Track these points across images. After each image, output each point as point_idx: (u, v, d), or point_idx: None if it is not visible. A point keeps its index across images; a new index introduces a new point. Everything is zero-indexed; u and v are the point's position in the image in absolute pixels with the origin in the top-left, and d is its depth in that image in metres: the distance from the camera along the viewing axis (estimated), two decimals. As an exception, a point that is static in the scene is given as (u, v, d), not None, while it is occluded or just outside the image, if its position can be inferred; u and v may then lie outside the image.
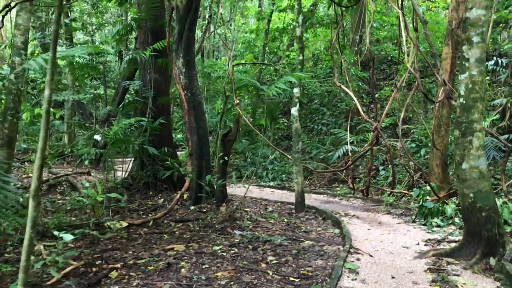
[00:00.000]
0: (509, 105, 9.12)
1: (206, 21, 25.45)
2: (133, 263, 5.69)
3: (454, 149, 5.85)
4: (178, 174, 10.64)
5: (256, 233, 7.18)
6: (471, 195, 5.62)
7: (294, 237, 6.94)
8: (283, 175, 13.81)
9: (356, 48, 15.73)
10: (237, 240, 6.65)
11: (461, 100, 5.70)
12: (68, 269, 5.29)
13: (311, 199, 10.85)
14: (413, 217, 8.21)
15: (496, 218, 5.56)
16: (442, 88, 8.83)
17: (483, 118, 5.63)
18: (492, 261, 5.38)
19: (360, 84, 15.29)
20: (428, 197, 8.14)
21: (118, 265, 5.57)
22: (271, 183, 13.24)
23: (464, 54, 5.65)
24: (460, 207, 8.08)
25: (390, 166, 10.92)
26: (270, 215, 8.66)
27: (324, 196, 11.30)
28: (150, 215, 8.97)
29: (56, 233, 4.85)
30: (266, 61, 19.34)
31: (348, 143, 11.72)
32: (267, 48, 22.97)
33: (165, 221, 8.36)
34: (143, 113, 10.93)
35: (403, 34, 8.80)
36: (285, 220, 8.27)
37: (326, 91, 16.06)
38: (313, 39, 22.95)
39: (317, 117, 16.53)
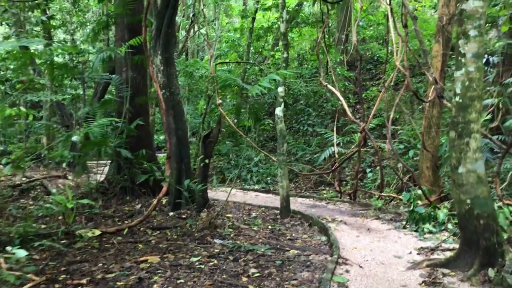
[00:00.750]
0: (500, 105, 8.78)
1: (190, 20, 24.96)
2: (101, 278, 5.17)
3: (449, 151, 5.45)
4: (156, 178, 10.13)
5: (238, 241, 6.70)
6: (468, 201, 5.21)
7: (278, 246, 6.48)
8: (268, 178, 13.35)
9: (342, 47, 15.35)
10: (217, 250, 6.17)
11: (457, 98, 5.29)
12: (27, 286, 4.75)
13: (296, 203, 10.40)
14: (404, 222, 7.81)
15: (494, 226, 5.17)
16: (433, 87, 8.47)
17: (480, 118, 5.23)
18: (491, 272, 4.98)
19: (347, 84, 14.91)
20: (419, 201, 7.75)
21: (84, 281, 5.05)
22: (256, 186, 12.77)
23: (460, 49, 5.25)
24: (453, 212, 7.73)
25: (378, 168, 10.53)
26: (254, 222, 8.19)
27: (310, 200, 10.86)
28: (126, 222, 8.45)
29: (8, 248, 4.30)
30: (251, 61, 18.88)
31: (335, 145, 11.31)
32: (252, 48, 22.52)
33: (142, 228, 7.85)
34: (120, 114, 10.38)
35: (392, 30, 8.42)
36: (269, 226, 7.80)
37: (311, 91, 15.64)
38: (298, 38, 22.54)
39: (303, 118, 16.10)
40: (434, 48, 8.90)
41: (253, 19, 18.92)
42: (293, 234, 7.37)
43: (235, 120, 18.13)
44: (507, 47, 9.16)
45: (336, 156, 10.99)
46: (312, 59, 20.32)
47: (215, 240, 6.72)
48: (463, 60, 5.22)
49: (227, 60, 19.88)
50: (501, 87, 8.82)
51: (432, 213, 7.46)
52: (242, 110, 15.07)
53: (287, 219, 8.51)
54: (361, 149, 11.38)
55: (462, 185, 5.24)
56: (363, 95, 15.84)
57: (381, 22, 18.05)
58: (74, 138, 14.53)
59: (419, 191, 7.80)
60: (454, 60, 5.54)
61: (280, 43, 22.22)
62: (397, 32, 8.59)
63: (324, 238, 7.03)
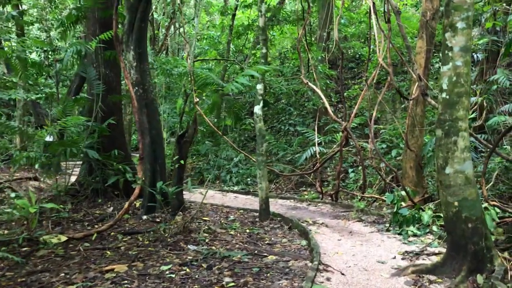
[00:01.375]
0: (484, 103, 8.57)
1: (170, 18, 24.41)
2: (61, 291, 4.73)
3: (435, 151, 5.15)
4: (129, 180, 9.67)
5: (214, 247, 6.31)
6: (456, 203, 4.92)
7: (256, 252, 6.09)
8: (248, 179, 12.97)
9: (323, 45, 15.06)
10: (190, 257, 5.77)
11: (444, 95, 4.99)
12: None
13: (277, 205, 10.05)
14: (387, 225, 7.51)
15: (483, 229, 4.88)
16: (416, 85, 8.20)
17: (468, 116, 4.94)
18: (480, 279, 4.68)
19: (328, 82, 14.61)
20: (402, 203, 7.46)
21: (42, 294, 4.61)
22: (235, 188, 12.38)
23: (447, 43, 4.94)
24: (437, 214, 7.46)
25: (360, 168, 10.24)
26: (231, 225, 7.80)
27: (291, 202, 10.52)
28: (96, 226, 7.99)
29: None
30: (231, 59, 18.49)
31: (316, 144, 10.99)
32: (233, 46, 22.13)
33: (112, 233, 7.41)
34: (92, 113, 9.90)
35: (374, 25, 8.12)
36: (248, 230, 7.42)
37: (293, 89, 15.31)
38: (280, 36, 22.23)
39: (284, 117, 15.76)
40: (418, 44, 8.63)
41: (233, 16, 18.56)
42: (272, 238, 7.01)
43: (215, 120, 17.74)
44: (491, 43, 8.95)
45: (317, 156, 10.67)
46: (294, 58, 20.00)
47: (188, 246, 6.31)
48: (450, 54, 4.92)
49: (206, 58, 19.46)
50: (485, 85, 8.60)
51: (416, 215, 7.18)
52: (220, 108, 14.66)
53: (266, 222, 8.16)
54: (343, 149, 11.09)
55: (449, 186, 4.94)
56: (345, 93, 15.59)
57: (363, 20, 17.84)
58: (48, 138, 13.96)
59: (403, 192, 7.51)
60: (438, 57, 5.24)
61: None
62: (380, 27, 8.30)
63: (304, 242, 6.68)
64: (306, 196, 10.56)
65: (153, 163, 8.85)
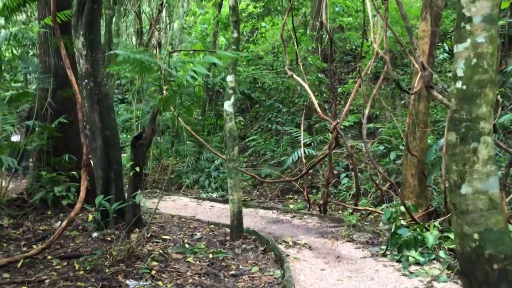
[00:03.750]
0: (499, 98, 7.16)
1: (157, 10, 22.96)
2: None
3: (447, 162, 3.74)
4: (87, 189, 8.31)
5: (160, 282, 4.92)
6: (476, 236, 3.52)
7: (213, 289, 4.71)
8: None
9: (316, 34, 13.62)
10: (122, 301, 4.38)
11: (459, 84, 3.59)
12: None
13: (256, 217, 8.66)
14: (383, 247, 6.12)
15: (515, 272, 3.48)
16: (419, 75, 6.79)
17: (492, 114, 3.53)
18: None
19: (320, 75, 13.17)
20: (402, 220, 6.05)
21: None
22: (214, 194, 10.98)
23: (464, 11, 3.54)
24: (446, 235, 6.07)
25: (353, 176, 8.82)
26: (194, 247, 6.40)
27: (273, 212, 9.12)
28: (34, 246, 6.64)
29: None
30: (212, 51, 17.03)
31: (302, 146, 9.59)
32: (224, 39, 20.72)
33: (49, 256, 6.06)
34: (40, 110, 8.55)
35: (368, 4, 6.71)
36: (211, 255, 6.02)
37: (281, 85, 13.88)
38: (272, 28, 20.78)
39: (271, 115, 14.34)
40: (420, 27, 7.21)
41: (220, 5, 17.11)
42: (240, 266, 5.62)
43: (200, 117, 16.34)
44: (508, 27, 7.53)
45: (304, 160, 9.26)
46: (288, 51, 18.58)
47: (127, 282, 4.92)
48: (468, 27, 3.52)
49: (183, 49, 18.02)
50: (500, 76, 7.18)
51: (419, 236, 5.78)
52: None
53: (238, 242, 6.76)
54: (334, 151, 9.70)
55: (466, 212, 3.55)
56: (340, 89, 14.17)
57: (360, 9, 16.35)
58: (14, 137, 12.54)
59: (402, 208, 6.10)
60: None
61: (258, 35, 20.50)
62: (375, 8, 6.89)
63: (279, 272, 5.29)
64: (291, 206, 9.16)
65: (106, 170, 7.47)
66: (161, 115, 15.32)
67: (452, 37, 16.13)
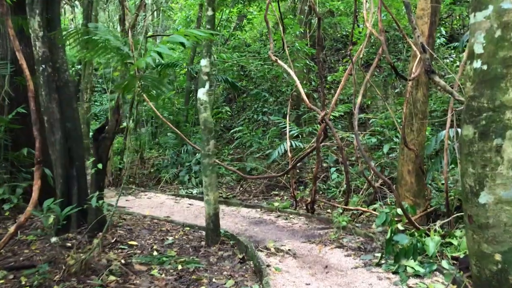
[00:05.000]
0: None
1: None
2: None
3: (461, 162, 2.98)
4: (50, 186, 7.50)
5: (114, 303, 4.14)
6: (498, 257, 2.77)
7: (176, 313, 3.93)
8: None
9: (304, 19, 12.79)
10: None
11: (478, 64, 2.82)
12: None
13: (238, 217, 7.89)
14: (377, 254, 5.38)
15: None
16: (417, 59, 6.02)
17: None
18: None
19: (308, 62, 12.34)
20: (399, 225, 5.29)
21: None
22: (194, 191, 10.16)
23: (485, -31, 2.75)
24: (448, 241, 5.35)
25: (343, 171, 8.05)
26: (163, 255, 5.62)
27: (257, 211, 8.34)
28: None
29: None
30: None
31: (288, 138, 8.81)
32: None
33: (-4, 267, 5.23)
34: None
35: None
36: (180, 266, 5.23)
37: (268, 73, 13.04)
38: (260, 15, 19.89)
39: (257, 105, 13.53)
40: (419, 5, 6.42)
41: (203, -12, 16.20)
42: (214, 280, 4.84)
43: (184, 107, 15.49)
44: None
45: (289, 155, 8.49)
46: (276, 38, 17.75)
47: (73, 304, 4.13)
48: (489, -11, 2.74)
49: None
50: None
51: (418, 243, 5.04)
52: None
53: (214, 248, 5.99)
54: (324, 144, 8.94)
55: (486, 226, 2.80)
56: (329, 77, 13.39)
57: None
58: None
59: (399, 210, 5.35)
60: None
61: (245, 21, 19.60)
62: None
63: (257, 287, 4.54)
64: (276, 204, 8.39)
65: (67, 167, 6.64)
66: (142, 104, 14.47)
67: (447, 23, 15.42)
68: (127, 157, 12.35)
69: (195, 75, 15.00)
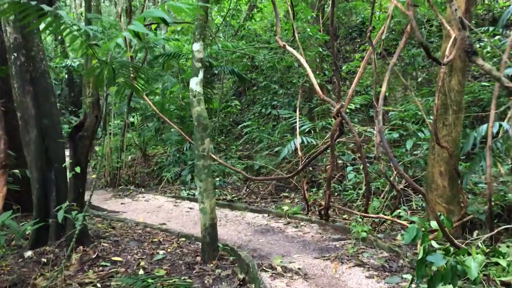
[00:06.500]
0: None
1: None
2: None
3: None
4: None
5: None
6: None
7: None
8: (217, 179, 9.85)
9: (317, 3, 11.77)
10: None
11: None
12: None
13: (242, 224, 6.98)
14: (406, 276, 4.43)
15: None
16: (452, 39, 5.01)
17: None
18: None
19: (321, 50, 11.30)
20: (433, 242, 4.32)
21: None
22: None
23: None
24: (494, 261, 4.38)
25: (362, 167, 7.07)
26: (149, 276, 4.75)
27: (264, 217, 7.42)
28: None
29: None
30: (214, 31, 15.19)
31: (298, 134, 7.87)
32: (219, 18, 18.95)
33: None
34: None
35: None
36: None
37: (277, 63, 12.03)
38: (270, 4, 18.88)
39: (265, 98, 12.57)
40: (453, -25, 5.40)
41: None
42: (206, 309, 3.95)
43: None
44: None
45: (300, 153, 7.54)
46: (287, 28, 16.74)
47: None
48: None
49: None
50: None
51: (458, 265, 4.07)
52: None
53: (211, 265, 5.10)
54: (339, 140, 7.99)
55: None
56: (344, 67, 12.36)
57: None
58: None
59: (434, 222, 4.37)
60: None
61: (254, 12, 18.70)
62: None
63: (258, 322, 3.63)
64: (285, 208, 7.46)
65: (44, 170, 5.81)
66: (137, 96, 13.62)
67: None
68: (126, 155, 11.53)
69: (204, 68, 14.09)
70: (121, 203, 8.72)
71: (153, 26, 18.82)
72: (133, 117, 15.45)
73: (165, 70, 13.92)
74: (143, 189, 10.26)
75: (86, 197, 8.76)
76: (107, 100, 5.93)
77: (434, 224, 4.38)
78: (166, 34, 18.87)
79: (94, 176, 12.36)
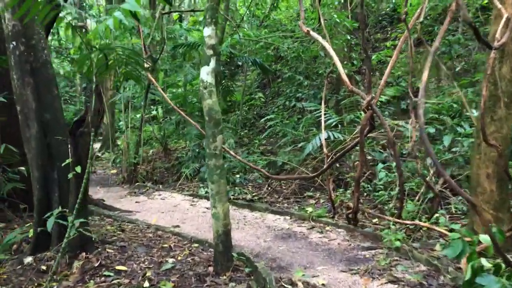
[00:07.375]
0: None
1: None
2: None
3: None
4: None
5: None
6: None
7: None
8: (237, 176, 9.29)
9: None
10: None
11: None
12: None
13: (261, 228, 6.40)
14: (449, 297, 3.76)
15: None
16: (505, 18, 4.27)
17: None
18: None
19: (350, 38, 10.54)
20: (483, 260, 3.65)
21: None
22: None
23: None
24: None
25: (395, 166, 6.38)
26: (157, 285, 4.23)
27: (285, 220, 6.82)
28: None
29: None
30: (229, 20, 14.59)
31: (323, 129, 7.22)
32: (244, 8, 18.41)
33: None
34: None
35: None
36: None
37: (302, 52, 11.35)
38: (294, -7, 18.16)
39: (289, 89, 11.92)
40: None
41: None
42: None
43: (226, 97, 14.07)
44: None
45: (324, 150, 6.89)
46: (313, 17, 15.97)
47: None
48: None
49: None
50: None
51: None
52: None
53: (224, 277, 4.54)
54: (369, 135, 7.30)
55: None
56: (374, 56, 11.56)
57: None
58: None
59: (483, 237, 3.69)
60: None
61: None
62: None
63: None
64: (309, 210, 6.84)
65: (46, 168, 5.38)
66: (169, 91, 13.18)
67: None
68: (147, 149, 11.09)
69: (227, 59, 13.49)
70: (136, 202, 8.27)
71: (175, 17, 18.35)
72: (156, 109, 15.02)
73: (186, 61, 13.41)
74: (160, 186, 9.81)
75: (96, 196, 8.42)
76: (97, 91, 5.39)
77: (482, 237, 3.69)
78: (188, 24, 18.48)
79: (114, 171, 12.04)
